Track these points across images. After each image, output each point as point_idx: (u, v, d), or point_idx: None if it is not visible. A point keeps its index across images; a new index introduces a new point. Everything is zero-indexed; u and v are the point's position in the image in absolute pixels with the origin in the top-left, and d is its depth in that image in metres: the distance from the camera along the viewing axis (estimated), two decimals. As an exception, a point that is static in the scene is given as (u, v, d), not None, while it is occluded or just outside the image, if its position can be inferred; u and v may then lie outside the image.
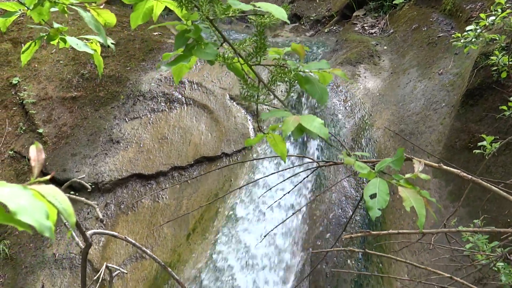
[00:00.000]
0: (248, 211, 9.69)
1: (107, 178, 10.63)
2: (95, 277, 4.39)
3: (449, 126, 8.76)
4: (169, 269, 3.58)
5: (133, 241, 3.64)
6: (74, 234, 3.49)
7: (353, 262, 8.69)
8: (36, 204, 1.22)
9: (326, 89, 2.37)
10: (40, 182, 1.42)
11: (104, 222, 10.44)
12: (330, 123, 10.26)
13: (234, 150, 10.61)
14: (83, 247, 3.59)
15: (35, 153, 1.58)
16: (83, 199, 2.92)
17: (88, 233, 3.47)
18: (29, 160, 10.96)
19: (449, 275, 3.91)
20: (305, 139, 10.13)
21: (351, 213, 9.10)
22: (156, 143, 10.98)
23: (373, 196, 2.23)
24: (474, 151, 5.94)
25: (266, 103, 2.47)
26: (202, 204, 10.02)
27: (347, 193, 9.32)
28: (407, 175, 2.35)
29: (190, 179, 10.48)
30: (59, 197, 1.39)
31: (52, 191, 1.38)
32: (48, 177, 1.50)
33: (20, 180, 11.16)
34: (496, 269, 5.23)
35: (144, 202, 10.48)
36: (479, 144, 5.72)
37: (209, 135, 10.88)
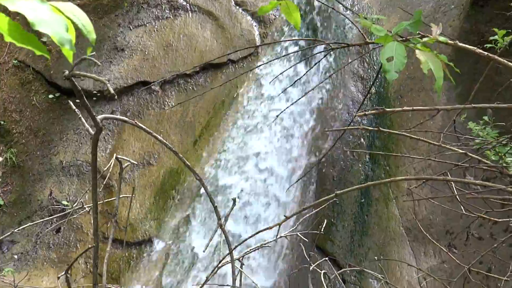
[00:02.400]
0: (255, 119, 9.66)
1: (113, 86, 10.56)
2: (105, 168, 4.38)
3: (458, 28, 8.63)
4: (180, 155, 3.55)
5: (144, 127, 3.61)
6: (83, 120, 3.44)
7: (360, 165, 8.71)
8: (55, 17, 1.16)
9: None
10: (58, -1, 1.35)
11: (111, 129, 10.43)
12: (337, 28, 10.11)
13: (240, 56, 10.50)
14: (93, 133, 3.54)
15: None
16: (93, 75, 2.85)
17: (99, 117, 3.43)
18: (33, 69, 10.90)
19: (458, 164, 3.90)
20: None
21: (358, 118, 9.07)
22: (161, 50, 10.86)
23: (390, 59, 2.17)
24: (485, 45, 5.84)
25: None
26: (209, 111, 10.00)
27: (354, 97, 9.26)
28: (425, 39, 2.28)
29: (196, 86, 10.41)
30: (78, 13, 1.33)
31: (71, 7, 1.31)
32: None
33: (25, 89, 11.12)
34: (505, 164, 5.21)
35: (150, 109, 10.44)
36: (491, 38, 5.62)
37: (215, 42, 10.75)
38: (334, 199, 7.47)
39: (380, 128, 2.86)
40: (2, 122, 10.88)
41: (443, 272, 7.55)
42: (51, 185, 10.21)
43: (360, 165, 8.71)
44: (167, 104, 10.47)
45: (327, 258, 5.78)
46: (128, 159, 4.41)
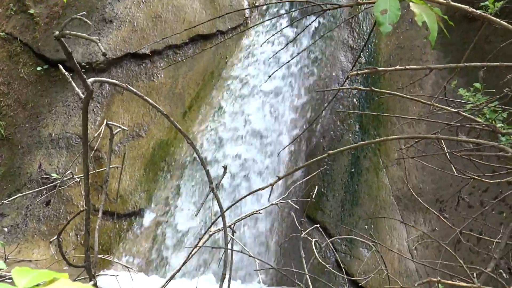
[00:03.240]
0: (244, 87, 9.63)
1: (101, 58, 10.48)
2: (96, 134, 4.34)
3: (448, -3, 8.60)
4: (171, 119, 3.52)
5: (135, 90, 3.57)
6: (74, 84, 3.40)
7: (350, 135, 8.71)
8: None
9: None
10: None
11: (100, 101, 10.37)
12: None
13: (229, 27, 10.45)
14: (83, 96, 3.50)
15: None
16: (84, 34, 2.81)
17: (89, 80, 3.39)
18: (21, 41, 10.80)
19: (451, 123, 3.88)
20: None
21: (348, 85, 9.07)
22: (150, 22, 10.78)
23: (383, 12, 2.15)
24: (476, 11, 5.81)
25: None
26: (198, 82, 9.97)
27: (344, 67, 9.24)
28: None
29: (185, 57, 10.36)
30: None
31: None
32: None
33: (13, 62, 11.03)
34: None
35: (139, 81, 10.38)
36: (481, 4, 5.61)
37: (204, 12, 10.68)
38: (325, 167, 7.43)
39: (372, 88, 2.84)
40: (-10, 95, 10.80)
41: (433, 239, 7.58)
42: (40, 157, 10.15)
43: (350, 135, 8.71)
44: (156, 75, 10.41)
45: (318, 225, 5.79)
46: (118, 125, 4.38)
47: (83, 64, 10.47)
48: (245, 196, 3.04)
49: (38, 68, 10.88)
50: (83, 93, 3.56)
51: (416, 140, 5.04)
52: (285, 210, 8.53)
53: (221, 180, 4.24)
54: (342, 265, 7.47)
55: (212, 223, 3.32)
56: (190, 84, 10.18)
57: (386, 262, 7.27)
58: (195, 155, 9.43)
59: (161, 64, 10.47)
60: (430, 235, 6.85)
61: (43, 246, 9.41)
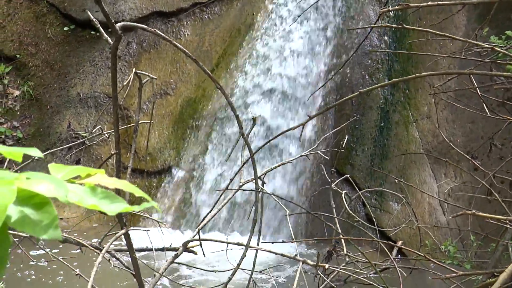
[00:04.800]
0: (272, 45, 9.56)
1: (128, 17, 10.45)
2: (125, 83, 4.33)
3: None
4: (200, 64, 3.50)
5: (163, 35, 3.54)
6: (102, 30, 3.39)
7: (379, 89, 8.63)
8: None
9: None
10: None
11: (127, 60, 10.37)
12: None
13: (256, -17, 10.34)
14: (111, 42, 3.49)
15: None
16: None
17: (118, 25, 3.37)
18: (47, 1, 10.79)
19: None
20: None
21: (376, 41, 8.97)
22: (176, -21, 10.71)
23: None
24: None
25: None
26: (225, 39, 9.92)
27: (372, 22, 9.12)
28: None
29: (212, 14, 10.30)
30: None
31: None
32: None
33: (39, 22, 11.05)
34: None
35: (166, 39, 10.33)
36: None
37: (230, -31, 10.58)
38: (355, 117, 7.36)
39: (403, 25, 2.78)
40: (18, 56, 10.84)
41: (464, 193, 7.53)
42: (69, 117, 10.21)
43: (379, 89, 8.62)
44: (182, 34, 10.37)
45: (348, 176, 5.76)
46: (147, 74, 4.36)
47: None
48: (276, 136, 3.02)
49: (65, 28, 10.89)
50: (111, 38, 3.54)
51: (450, 77, 4.96)
52: (315, 165, 8.51)
53: (251, 129, 4.23)
54: (372, 218, 7.44)
55: (243, 165, 3.31)
56: (217, 42, 10.12)
57: (417, 216, 7.24)
58: (223, 112, 9.42)
59: (188, 22, 10.41)
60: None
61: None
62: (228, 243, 4.57)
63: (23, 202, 0.88)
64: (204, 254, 3.87)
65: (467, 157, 4.93)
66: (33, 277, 7.16)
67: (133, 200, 9.00)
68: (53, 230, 0.86)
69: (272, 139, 3.15)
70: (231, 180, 3.48)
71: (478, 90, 3.61)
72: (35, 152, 0.98)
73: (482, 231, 6.90)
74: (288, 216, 4.85)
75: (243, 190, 3.83)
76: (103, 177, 1.00)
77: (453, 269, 3.45)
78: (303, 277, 5.14)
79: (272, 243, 4.09)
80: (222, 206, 4.59)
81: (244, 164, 3.51)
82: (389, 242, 7.09)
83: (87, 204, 0.95)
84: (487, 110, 4.17)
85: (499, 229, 6.24)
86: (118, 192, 3.62)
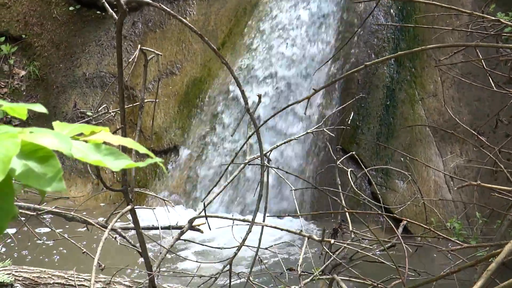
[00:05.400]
0: (278, 24, 9.52)
1: (133, -4, 10.41)
2: (130, 59, 4.33)
3: None
4: (206, 39, 3.49)
5: (167, 9, 3.55)
6: (107, 5, 3.39)
7: (385, 68, 8.60)
8: None
9: None
10: None
11: (133, 39, 10.36)
12: None
13: (261, -38, 10.29)
14: (116, 17, 3.50)
15: None
16: None
17: (123, 0, 3.38)
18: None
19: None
20: None
21: (382, 19, 8.93)
22: (181, -42, 10.66)
23: None
24: None
25: None
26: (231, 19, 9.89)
27: None
28: None
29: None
30: None
31: None
32: None
33: (45, 2, 11.03)
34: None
35: (171, 19, 10.32)
36: None
37: None
38: (361, 95, 7.34)
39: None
40: (23, 36, 10.83)
41: (469, 170, 7.53)
42: (75, 97, 10.23)
43: (385, 68, 8.60)
44: (188, 13, 10.34)
45: (354, 153, 5.75)
46: (152, 50, 4.36)
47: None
48: (281, 110, 3.02)
49: (71, 8, 10.88)
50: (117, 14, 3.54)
51: (455, 50, 4.94)
52: (321, 144, 8.50)
53: (257, 106, 4.23)
54: (378, 195, 7.44)
55: (248, 138, 3.31)
56: (223, 21, 10.09)
57: (422, 194, 7.24)
58: (229, 91, 9.41)
59: (193, 1, 10.38)
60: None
61: (80, 183, 9.53)
62: (234, 219, 4.59)
63: (27, 155, 0.88)
64: (209, 228, 3.87)
65: (473, 132, 4.92)
66: (40, 256, 7.20)
67: (139, 179, 9.04)
68: (57, 183, 0.86)
69: (277, 113, 3.15)
70: (236, 154, 3.49)
71: (483, 63, 3.58)
72: (39, 108, 0.98)
73: (488, 209, 6.91)
74: (293, 192, 4.86)
75: (249, 164, 3.84)
76: (107, 135, 1.01)
77: (458, 242, 3.45)
78: (309, 255, 5.15)
79: (278, 216, 4.10)
80: (229, 183, 4.61)
81: (249, 137, 3.53)
82: (395, 218, 7.10)
83: (91, 159, 0.95)
84: (493, 85, 4.15)
85: (504, 206, 6.24)
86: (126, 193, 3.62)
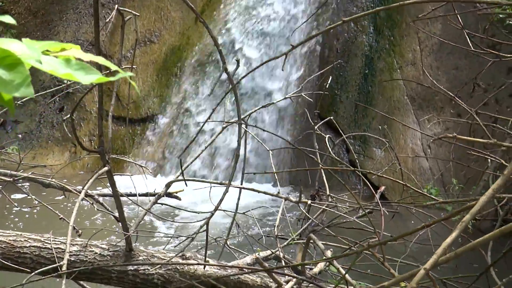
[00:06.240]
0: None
1: (112, -36, 10.32)
2: (107, 19, 4.29)
3: None
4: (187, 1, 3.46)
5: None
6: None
7: (364, 36, 8.60)
8: None
9: None
10: None
11: (110, 7, 10.26)
12: None
13: None
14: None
15: None
16: None
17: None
18: None
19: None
20: None
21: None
22: None
23: None
24: None
25: None
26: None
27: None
28: None
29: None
30: None
31: None
32: None
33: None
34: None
35: (150, -14, 10.23)
36: None
37: None
38: (339, 61, 7.34)
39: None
40: (0, 3, 10.69)
41: (447, 138, 7.56)
42: (52, 65, 10.12)
43: (364, 36, 8.61)
44: (167, -20, 10.25)
45: (332, 118, 5.76)
46: (130, 10, 4.33)
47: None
48: (259, 66, 2.99)
49: (48, -25, 10.75)
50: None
51: (433, 7, 4.93)
52: (299, 111, 8.51)
53: (235, 70, 4.22)
54: (355, 163, 7.47)
55: (226, 95, 3.29)
56: (202, -14, 10.03)
57: (400, 161, 7.28)
58: (207, 59, 9.37)
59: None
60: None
61: (57, 151, 9.48)
62: (211, 182, 4.59)
63: (-5, 63, 0.87)
64: (186, 184, 3.85)
65: (451, 94, 4.92)
66: (17, 224, 7.17)
67: (117, 148, 8.99)
68: (25, 88, 0.85)
69: (255, 68, 3.13)
70: (214, 109, 3.47)
71: (459, 17, 3.59)
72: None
73: (464, 178, 6.97)
74: (271, 156, 4.87)
75: (227, 122, 3.83)
76: (78, 51, 0.99)
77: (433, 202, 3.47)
78: (287, 220, 5.17)
79: (254, 173, 4.10)
80: (207, 146, 4.60)
81: (226, 94, 3.50)
82: (373, 185, 7.14)
83: (60, 73, 0.94)
84: (470, 44, 4.16)
85: (479, 174, 6.30)
86: (103, 154, 3.58)
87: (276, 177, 4.89)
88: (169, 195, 5.59)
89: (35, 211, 7.23)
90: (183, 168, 4.50)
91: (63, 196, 6.24)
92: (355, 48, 8.57)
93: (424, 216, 5.44)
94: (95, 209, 5.20)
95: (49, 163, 9.18)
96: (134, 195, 5.76)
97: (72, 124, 3.65)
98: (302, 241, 4.65)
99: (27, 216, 7.28)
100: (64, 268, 3.47)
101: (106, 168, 3.94)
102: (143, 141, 9.28)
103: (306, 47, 8.83)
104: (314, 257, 4.86)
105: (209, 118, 3.45)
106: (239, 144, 3.62)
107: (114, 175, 4.01)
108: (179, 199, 5.82)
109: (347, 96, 8.43)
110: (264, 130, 4.44)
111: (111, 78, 1.00)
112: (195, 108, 9.10)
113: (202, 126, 3.68)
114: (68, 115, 3.49)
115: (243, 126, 4.02)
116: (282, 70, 4.14)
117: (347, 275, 2.90)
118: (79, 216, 6.04)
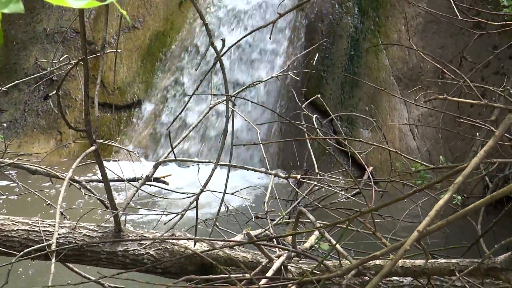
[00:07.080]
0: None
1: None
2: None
3: None
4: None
5: None
6: None
7: (349, 18, 8.59)
8: None
9: None
10: None
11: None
12: None
13: None
14: None
15: None
16: None
17: None
18: None
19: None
20: None
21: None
22: None
23: None
24: None
25: None
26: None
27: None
28: None
29: None
30: None
31: None
32: None
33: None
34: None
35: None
36: None
37: None
38: (325, 40, 7.31)
39: None
40: (-19, -9, 10.57)
41: (434, 118, 7.59)
42: (36, 53, 10.05)
43: (349, 18, 8.59)
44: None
45: (319, 96, 5.74)
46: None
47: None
48: (245, 36, 2.97)
49: (30, -39, 10.64)
50: None
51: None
52: (286, 91, 8.50)
53: (221, 50, 4.17)
54: (343, 144, 7.47)
55: (212, 67, 3.26)
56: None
57: (387, 141, 7.29)
58: (192, 44, 9.33)
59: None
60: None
61: (42, 139, 9.42)
62: (199, 162, 4.58)
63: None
64: (175, 158, 3.82)
65: (438, 66, 4.92)
66: (1, 211, 7.12)
67: (103, 135, 8.94)
68: (14, 4, 0.82)
69: (242, 38, 3.10)
70: (201, 81, 3.44)
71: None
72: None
73: (452, 155, 6.98)
74: (259, 136, 4.85)
75: (215, 94, 3.80)
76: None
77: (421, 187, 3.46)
78: (278, 204, 5.15)
79: (244, 145, 4.08)
80: (196, 124, 4.57)
81: (213, 66, 3.47)
82: (361, 166, 7.15)
83: None
84: (457, 13, 4.14)
85: (467, 153, 6.31)
86: (90, 133, 3.52)
87: (265, 155, 4.87)
88: (157, 179, 5.57)
89: (21, 198, 7.17)
90: (172, 147, 4.46)
91: (50, 183, 6.22)
92: (340, 29, 8.56)
93: (415, 196, 5.43)
94: (83, 195, 5.17)
95: (35, 151, 9.12)
96: (122, 180, 5.73)
97: (58, 100, 3.60)
98: (292, 220, 4.64)
99: (11, 205, 7.22)
100: (53, 247, 3.43)
101: (93, 148, 3.89)
102: (129, 127, 9.24)
103: (289, 30, 8.83)
104: (304, 236, 4.85)
105: (194, 93, 3.41)
106: (227, 120, 3.60)
107: (103, 160, 3.97)
108: (167, 183, 5.80)
109: (333, 78, 8.42)
110: (253, 102, 4.41)
111: (102, 3, 0.97)
112: (180, 93, 9.07)
113: (190, 99, 3.64)
114: (54, 92, 3.44)
115: (231, 106, 3.99)
116: (270, 38, 4.10)
117: (337, 245, 2.89)
118: (66, 202, 6.00)
